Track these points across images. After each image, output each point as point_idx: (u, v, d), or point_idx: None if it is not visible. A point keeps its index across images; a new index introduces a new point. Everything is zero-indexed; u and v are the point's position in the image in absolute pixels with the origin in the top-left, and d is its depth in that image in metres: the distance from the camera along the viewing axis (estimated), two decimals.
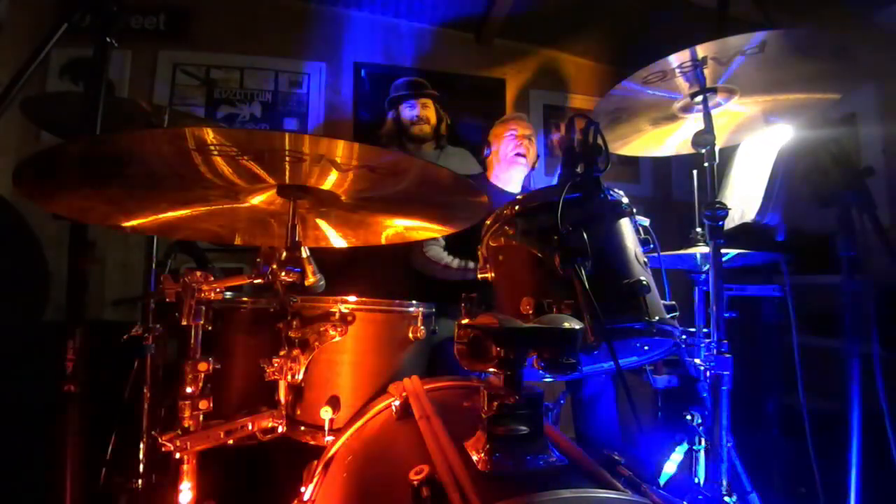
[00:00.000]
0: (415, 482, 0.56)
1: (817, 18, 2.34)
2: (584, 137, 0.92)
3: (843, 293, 1.22)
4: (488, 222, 1.04)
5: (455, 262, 1.82)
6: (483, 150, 2.13)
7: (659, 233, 1.01)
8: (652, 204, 3.31)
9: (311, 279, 0.94)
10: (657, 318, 0.87)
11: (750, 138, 1.47)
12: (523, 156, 1.99)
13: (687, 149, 1.32)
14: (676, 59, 1.11)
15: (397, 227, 1.20)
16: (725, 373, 1.15)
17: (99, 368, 1.05)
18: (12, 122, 2.23)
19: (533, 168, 2.11)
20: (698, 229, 1.47)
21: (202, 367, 0.93)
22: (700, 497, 1.28)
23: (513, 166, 2.01)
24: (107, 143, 0.76)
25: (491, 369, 0.62)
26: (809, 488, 1.41)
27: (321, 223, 1.16)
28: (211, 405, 0.93)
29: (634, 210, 0.99)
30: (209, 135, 0.69)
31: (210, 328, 0.97)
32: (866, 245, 1.19)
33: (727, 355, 1.15)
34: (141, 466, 1.42)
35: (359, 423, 0.95)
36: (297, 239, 0.94)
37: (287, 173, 0.85)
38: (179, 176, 0.83)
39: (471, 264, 1.79)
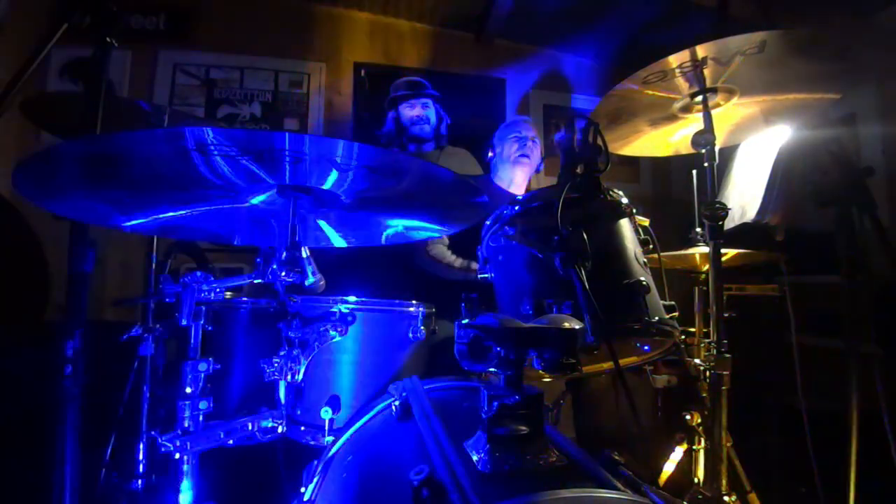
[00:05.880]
0: (415, 482, 0.56)
1: (817, 18, 2.34)
2: (583, 137, 0.92)
3: (843, 293, 1.22)
4: (488, 222, 1.04)
5: (458, 262, 1.82)
6: (487, 152, 2.14)
7: (659, 233, 1.01)
8: (652, 204, 3.31)
9: (311, 279, 0.94)
10: (657, 318, 0.87)
11: (750, 138, 1.47)
12: (527, 157, 2.01)
13: (687, 149, 1.32)
14: (676, 59, 1.11)
15: (397, 227, 1.20)
16: (725, 373, 1.15)
17: (99, 368, 1.05)
18: (12, 122, 2.23)
19: (537, 171, 2.12)
20: (698, 229, 1.47)
21: (202, 367, 0.93)
22: (700, 497, 1.28)
23: (517, 168, 2.02)
24: (107, 143, 0.76)
25: (491, 369, 0.62)
26: (809, 488, 1.41)
27: (321, 223, 1.16)
28: (211, 405, 0.93)
29: (634, 210, 0.99)
30: (209, 135, 0.69)
31: (210, 328, 0.97)
32: (866, 245, 1.19)
33: (727, 355, 1.15)
34: (141, 466, 1.42)
35: (359, 423, 0.95)
36: (296, 239, 0.94)
37: (287, 173, 0.85)
38: (179, 176, 0.83)
39: (473, 264, 1.79)
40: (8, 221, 1.68)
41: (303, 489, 0.92)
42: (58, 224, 0.97)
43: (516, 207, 0.96)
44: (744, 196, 1.45)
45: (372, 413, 0.95)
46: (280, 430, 1.05)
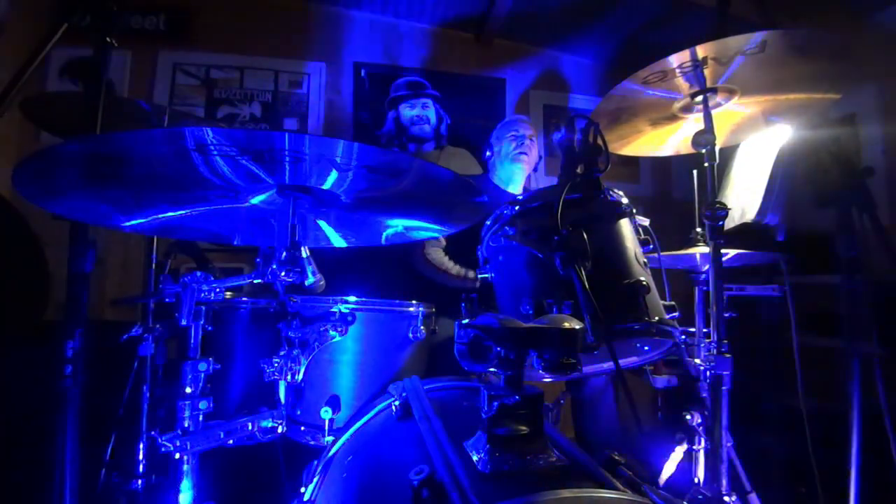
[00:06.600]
0: (415, 482, 0.56)
1: (817, 18, 2.34)
2: (584, 137, 0.92)
3: (843, 293, 1.22)
4: (488, 222, 1.04)
5: (455, 269, 1.83)
6: (485, 151, 2.14)
7: (659, 233, 1.01)
8: (652, 204, 3.31)
9: (311, 279, 0.94)
10: (657, 318, 0.87)
11: (750, 138, 1.47)
12: (525, 156, 2.00)
13: (687, 149, 1.32)
14: (676, 59, 1.11)
15: (397, 227, 1.20)
16: (725, 373, 1.15)
17: (99, 368, 1.05)
18: (12, 122, 2.24)
19: (535, 170, 2.12)
20: (698, 229, 1.47)
21: (202, 367, 0.93)
22: (700, 497, 1.28)
23: (514, 167, 2.02)
24: (107, 143, 0.76)
25: (491, 369, 0.62)
26: (809, 488, 1.41)
27: (321, 223, 1.16)
28: (211, 405, 0.93)
29: (634, 210, 0.99)
30: (209, 135, 0.69)
31: (210, 328, 0.97)
32: (866, 245, 1.19)
33: (727, 355, 1.15)
34: (141, 466, 1.42)
35: (359, 423, 0.95)
36: (296, 239, 0.94)
37: (287, 173, 0.85)
38: (179, 176, 0.83)
39: (470, 273, 1.80)
40: (8, 221, 1.68)
41: (303, 489, 0.92)
42: (58, 224, 0.97)
43: (516, 207, 0.96)
44: (744, 196, 1.45)
45: (372, 413, 0.95)
46: (280, 430, 1.05)
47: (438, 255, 1.87)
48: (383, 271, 1.94)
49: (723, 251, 1.24)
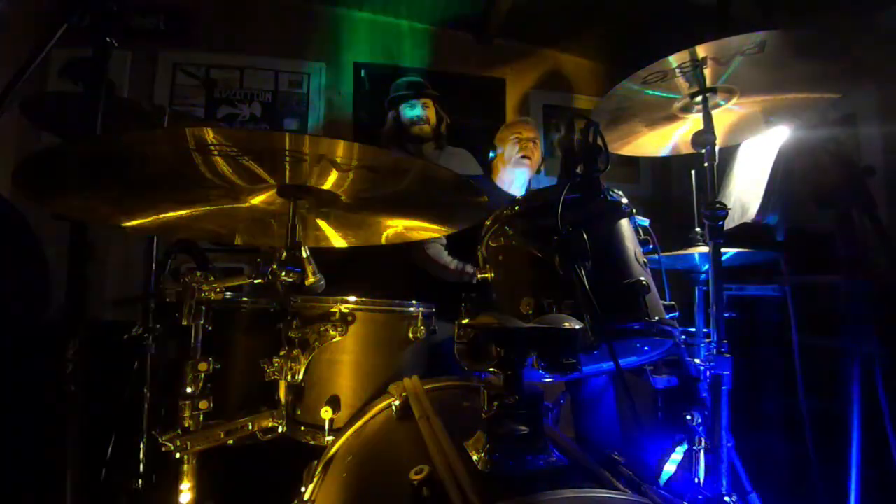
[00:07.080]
0: (415, 482, 0.56)
1: (817, 18, 2.34)
2: (583, 137, 0.92)
3: (843, 293, 1.23)
4: (488, 223, 1.04)
5: (453, 264, 1.83)
6: (488, 153, 2.14)
7: (659, 233, 1.01)
8: (652, 204, 3.30)
9: (311, 279, 0.94)
10: (657, 318, 0.87)
11: (750, 138, 1.47)
12: (528, 158, 2.01)
13: (687, 149, 1.32)
14: (676, 59, 1.11)
15: (397, 227, 1.20)
16: (725, 373, 1.15)
17: (99, 368, 1.05)
18: (12, 122, 2.24)
19: (538, 172, 2.12)
20: (698, 229, 1.47)
21: (202, 367, 0.93)
22: (700, 497, 1.28)
23: (518, 169, 2.03)
24: (107, 143, 0.76)
25: (491, 369, 0.62)
26: (809, 488, 1.41)
27: (321, 223, 1.16)
28: (211, 405, 0.93)
29: (634, 210, 0.99)
30: (209, 135, 0.69)
31: (210, 328, 0.97)
32: (866, 245, 1.19)
33: (727, 355, 1.15)
34: (141, 466, 1.42)
35: (359, 423, 0.95)
36: (297, 239, 0.94)
37: (287, 173, 0.85)
38: (179, 176, 0.83)
39: (468, 267, 1.80)
40: (8, 221, 1.68)
41: (303, 489, 0.92)
42: (58, 224, 0.97)
43: (516, 207, 0.96)
44: (744, 196, 1.45)
45: (372, 413, 0.95)
46: (280, 430, 1.05)
47: (437, 250, 1.87)
48: (383, 271, 1.94)
49: (723, 251, 1.24)
